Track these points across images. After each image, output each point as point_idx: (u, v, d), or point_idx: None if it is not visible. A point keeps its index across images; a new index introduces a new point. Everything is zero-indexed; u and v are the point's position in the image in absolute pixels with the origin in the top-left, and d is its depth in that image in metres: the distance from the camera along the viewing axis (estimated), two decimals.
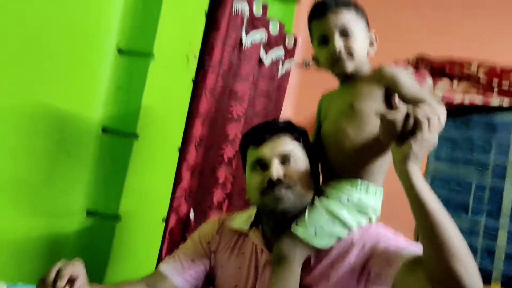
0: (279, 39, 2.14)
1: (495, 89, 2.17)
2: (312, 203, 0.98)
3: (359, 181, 0.96)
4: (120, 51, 1.29)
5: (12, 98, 1.01)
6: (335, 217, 0.94)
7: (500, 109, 2.22)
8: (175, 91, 1.47)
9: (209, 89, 1.61)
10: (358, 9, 1.00)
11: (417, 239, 2.15)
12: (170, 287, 1.04)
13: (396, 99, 0.87)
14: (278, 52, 2.15)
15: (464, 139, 2.31)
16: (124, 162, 1.27)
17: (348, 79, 1.01)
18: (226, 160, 1.83)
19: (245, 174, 1.06)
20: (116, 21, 1.27)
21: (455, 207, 2.24)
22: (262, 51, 2.02)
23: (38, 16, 1.03)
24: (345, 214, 0.94)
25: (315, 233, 0.93)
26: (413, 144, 0.81)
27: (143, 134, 1.29)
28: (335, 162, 1.00)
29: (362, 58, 0.99)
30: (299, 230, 0.94)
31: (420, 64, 2.28)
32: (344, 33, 0.97)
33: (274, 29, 2.08)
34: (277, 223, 1.00)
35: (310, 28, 1.03)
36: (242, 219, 1.11)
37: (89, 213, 1.27)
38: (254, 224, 1.07)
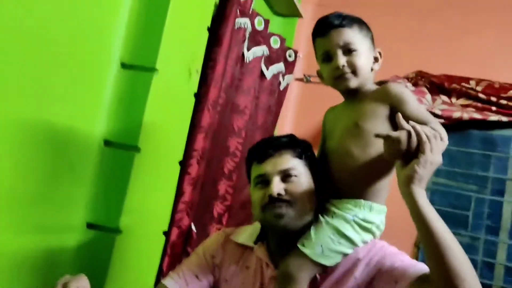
0: (280, 53, 2.17)
1: (494, 105, 2.18)
2: (316, 220, 0.98)
3: (363, 201, 0.96)
4: (123, 66, 1.30)
5: (14, 111, 1.01)
6: (341, 235, 0.94)
7: (499, 124, 2.23)
8: (177, 105, 1.48)
9: (212, 103, 1.62)
10: (363, 26, 1.01)
11: (416, 253, 2.15)
12: None
13: (401, 118, 0.87)
14: (279, 66, 2.18)
15: (463, 155, 2.31)
16: (125, 175, 1.28)
17: (352, 95, 1.02)
18: (226, 172, 1.84)
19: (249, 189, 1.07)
20: (120, 36, 1.29)
21: (454, 223, 2.24)
22: (263, 65, 2.04)
23: (42, 31, 1.05)
24: (351, 232, 0.94)
25: (322, 251, 0.93)
26: (416, 167, 0.82)
27: (145, 148, 1.30)
28: (339, 180, 1.00)
29: (366, 74, 0.99)
30: (306, 249, 0.94)
31: (419, 80, 2.30)
32: (348, 50, 0.97)
33: (275, 43, 2.10)
34: (281, 238, 1.01)
35: (314, 45, 1.04)
36: (247, 234, 1.11)
37: (89, 225, 1.27)
38: (259, 238, 1.08)
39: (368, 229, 0.96)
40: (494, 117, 2.19)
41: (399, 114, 0.88)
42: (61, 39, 1.10)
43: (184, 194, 1.56)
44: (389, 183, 1.00)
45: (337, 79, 0.99)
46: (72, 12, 1.12)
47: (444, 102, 2.26)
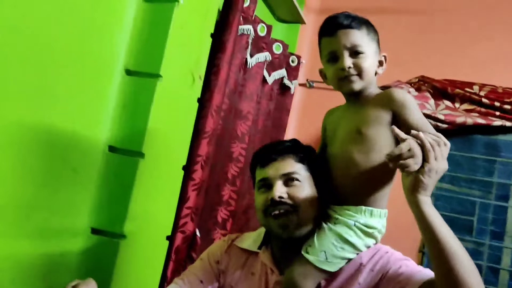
0: (282, 59, 2.18)
1: (497, 110, 2.18)
2: (319, 227, 0.98)
3: (363, 207, 0.96)
4: (127, 72, 1.31)
5: (20, 117, 1.02)
6: (344, 241, 0.94)
7: (502, 129, 2.23)
8: (181, 111, 1.49)
9: (215, 108, 1.63)
10: (371, 29, 0.99)
11: (421, 258, 2.14)
12: None
13: (397, 130, 0.85)
14: (281, 72, 2.19)
15: (467, 160, 2.31)
16: (130, 180, 1.28)
17: (355, 97, 1.01)
18: (230, 178, 1.84)
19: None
20: (124, 42, 1.30)
21: (459, 228, 2.23)
22: (265, 71, 2.05)
23: (47, 37, 1.06)
24: (353, 237, 0.94)
25: (326, 258, 0.93)
26: (421, 176, 0.82)
27: (149, 153, 1.31)
28: (341, 186, 0.99)
29: (371, 77, 0.98)
30: (310, 256, 0.94)
31: (422, 85, 2.30)
32: (354, 52, 0.96)
33: (277, 49, 2.12)
34: (286, 243, 1.01)
35: (320, 43, 1.02)
36: (251, 239, 1.11)
37: (94, 231, 1.27)
38: (264, 243, 1.08)
39: (370, 234, 0.96)
40: (498, 122, 2.18)
41: (394, 127, 0.86)
42: (66, 45, 1.11)
43: (188, 200, 1.57)
44: (392, 188, 1.00)
45: (341, 81, 0.98)
46: (77, 19, 1.13)
47: (447, 107, 2.25)
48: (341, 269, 0.95)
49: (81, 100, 1.18)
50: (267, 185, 1.01)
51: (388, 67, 1.04)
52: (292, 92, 2.35)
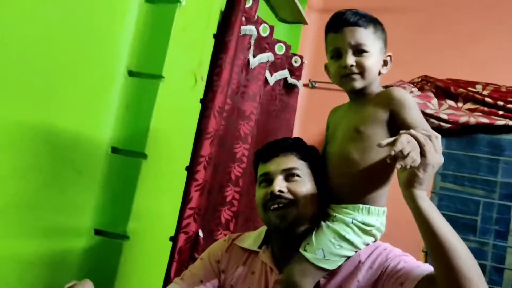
0: (284, 60, 2.18)
1: (501, 110, 2.17)
2: (318, 225, 0.98)
3: (361, 205, 0.95)
4: (130, 73, 1.32)
5: (23, 119, 1.03)
6: (342, 238, 0.94)
7: (506, 128, 2.22)
8: (184, 112, 1.49)
9: (218, 109, 1.63)
10: (378, 27, 0.98)
11: (424, 258, 2.13)
12: None
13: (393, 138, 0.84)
14: (282, 73, 2.19)
15: (470, 159, 2.30)
16: (132, 181, 1.29)
17: (357, 95, 1.00)
18: (233, 178, 1.84)
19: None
20: (127, 43, 1.31)
21: (462, 228, 2.23)
22: (267, 72, 2.05)
23: (51, 39, 1.06)
24: (351, 235, 0.94)
25: (324, 256, 0.93)
26: (416, 170, 0.82)
27: (152, 154, 1.31)
28: (338, 184, 0.99)
29: (373, 77, 0.97)
30: (308, 254, 0.94)
31: (425, 84, 2.29)
32: (358, 51, 0.95)
33: (280, 50, 2.12)
34: (285, 242, 1.01)
35: (325, 38, 1.02)
36: (251, 239, 1.12)
37: (97, 231, 1.28)
38: (264, 243, 1.08)
39: (368, 231, 0.95)
40: (501, 121, 2.18)
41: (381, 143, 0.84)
42: (69, 47, 1.12)
43: (191, 200, 1.57)
44: (395, 188, 0.99)
45: (343, 78, 0.98)
46: (80, 21, 1.13)
47: (450, 107, 2.25)
48: (340, 267, 0.95)
49: (84, 102, 1.19)
50: (268, 180, 1.01)
51: (391, 67, 1.03)
52: (297, 91, 2.35)
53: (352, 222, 0.94)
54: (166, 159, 1.41)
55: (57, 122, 1.12)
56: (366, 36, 0.95)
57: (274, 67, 2.11)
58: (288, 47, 2.18)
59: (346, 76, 0.97)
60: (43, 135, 1.08)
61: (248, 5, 1.80)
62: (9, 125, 0.99)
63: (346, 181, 0.97)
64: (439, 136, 0.86)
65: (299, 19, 2.46)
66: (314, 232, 0.96)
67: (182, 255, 1.57)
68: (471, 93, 2.21)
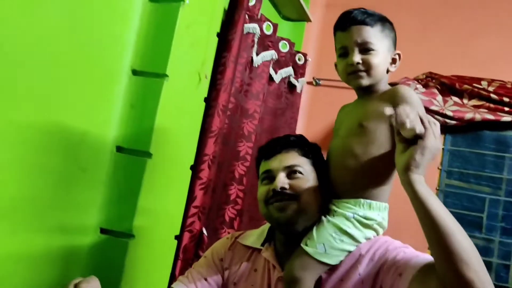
0: (289, 57, 2.18)
1: (506, 106, 2.16)
2: (319, 221, 0.98)
3: (362, 200, 0.96)
4: (134, 72, 1.32)
5: (29, 117, 1.03)
6: (343, 232, 0.94)
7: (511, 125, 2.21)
8: (188, 111, 1.49)
9: (222, 107, 1.64)
10: (386, 26, 0.99)
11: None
12: None
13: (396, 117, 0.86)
14: (287, 70, 2.19)
15: (476, 156, 2.29)
16: (137, 180, 1.29)
17: (364, 93, 1.01)
18: (237, 177, 1.85)
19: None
20: (131, 43, 1.31)
21: (468, 225, 2.22)
22: (271, 70, 2.05)
23: (55, 39, 1.07)
24: (352, 229, 0.95)
25: (325, 250, 0.93)
26: (414, 153, 0.82)
27: (156, 153, 1.31)
28: (340, 179, 1.00)
29: (380, 74, 0.98)
30: (309, 248, 0.94)
31: (429, 81, 2.28)
32: (365, 49, 0.96)
33: (284, 48, 2.11)
34: (288, 239, 1.01)
35: (334, 37, 1.03)
36: (254, 236, 1.12)
37: (102, 230, 1.28)
38: (267, 240, 1.08)
39: (369, 226, 0.96)
40: (507, 118, 2.16)
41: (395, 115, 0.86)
42: (73, 47, 1.12)
43: (195, 199, 1.57)
44: (391, 186, 0.99)
45: (349, 75, 0.99)
46: (83, 21, 1.14)
47: (455, 103, 2.24)
48: (341, 261, 0.95)
49: (88, 101, 1.19)
50: (270, 177, 1.02)
51: None
52: (298, 91, 2.35)
53: (353, 217, 0.95)
54: (171, 157, 1.41)
55: (62, 122, 1.12)
56: (373, 34, 0.96)
57: (278, 64, 2.11)
58: (292, 45, 2.17)
59: (352, 74, 0.98)
60: (48, 135, 1.09)
61: (251, 3, 1.80)
62: (14, 125, 1.00)
63: (348, 175, 0.98)
64: (438, 123, 0.86)
65: (302, 17, 2.45)
66: (315, 227, 0.97)
67: (187, 253, 1.58)
68: (476, 90, 2.19)
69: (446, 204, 0.82)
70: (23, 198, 1.04)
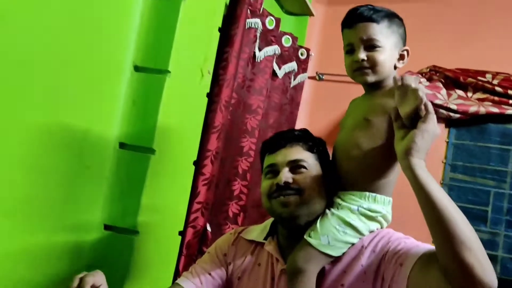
0: (292, 52, 2.17)
1: (511, 99, 2.14)
2: (323, 213, 0.99)
3: (367, 193, 0.96)
4: (136, 68, 1.32)
5: (32, 116, 1.03)
6: (347, 224, 0.95)
7: None
8: (191, 106, 1.49)
9: (224, 103, 1.63)
10: (393, 21, 0.99)
11: None
12: None
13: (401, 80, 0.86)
14: (291, 65, 2.18)
15: (481, 149, 2.28)
16: (141, 176, 1.29)
17: (372, 88, 1.02)
18: (240, 172, 1.84)
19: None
20: (133, 39, 1.30)
21: (473, 219, 2.21)
22: (275, 65, 2.04)
23: (57, 35, 1.07)
24: (356, 221, 0.95)
25: (328, 242, 0.94)
26: (414, 136, 0.82)
27: (159, 149, 1.31)
28: (345, 171, 1.00)
29: (387, 71, 0.98)
30: (312, 240, 0.95)
31: (433, 75, 2.27)
32: (370, 46, 0.96)
33: (287, 42, 2.10)
34: (291, 233, 1.02)
35: (342, 33, 1.04)
36: (257, 231, 1.13)
37: (107, 227, 1.29)
38: (270, 234, 1.08)
39: (373, 218, 0.96)
40: (511, 111, 2.15)
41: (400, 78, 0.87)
42: (74, 43, 1.12)
43: (198, 194, 1.57)
44: (396, 181, 1.00)
45: (355, 72, 1.00)
46: (85, 17, 1.13)
47: (460, 97, 2.22)
48: (344, 252, 0.96)
49: (90, 98, 1.19)
50: (274, 171, 1.02)
51: None
52: (295, 85, 2.33)
53: (358, 210, 0.96)
54: (174, 153, 1.41)
55: (65, 119, 1.12)
56: (378, 31, 0.96)
57: (282, 59, 2.10)
58: (295, 39, 2.16)
59: (358, 70, 0.99)
60: (51, 133, 1.09)
61: None
62: (18, 123, 1.00)
63: (352, 167, 0.99)
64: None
65: (305, 11, 2.44)
66: (319, 219, 0.97)
67: (190, 249, 1.58)
68: (480, 83, 2.18)
69: (450, 197, 0.81)
70: (27, 196, 1.05)
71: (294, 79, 2.28)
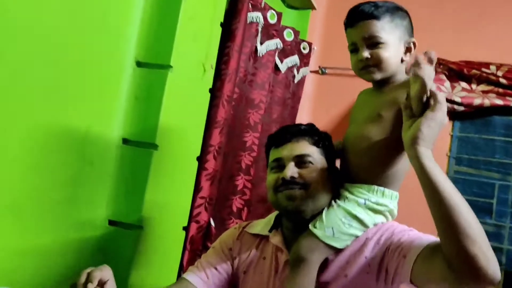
0: (294, 46, 2.16)
1: None
2: (329, 205, 0.99)
3: (376, 187, 0.96)
4: (138, 64, 1.32)
5: (35, 114, 1.03)
6: (353, 217, 0.95)
7: None
8: (193, 101, 1.49)
9: (226, 98, 1.63)
10: (396, 15, 0.98)
11: None
12: None
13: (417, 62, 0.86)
14: (293, 59, 2.17)
15: (485, 142, 2.27)
16: (144, 172, 1.29)
17: (380, 84, 1.01)
18: (244, 167, 1.84)
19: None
20: (134, 34, 1.30)
21: (478, 211, 2.20)
22: (277, 59, 2.03)
23: (59, 31, 1.06)
24: (362, 214, 0.95)
25: (333, 234, 0.94)
26: (421, 125, 0.82)
27: (162, 145, 1.31)
28: (355, 164, 1.00)
29: (393, 66, 0.97)
30: (317, 231, 0.95)
31: (437, 67, 2.25)
32: (373, 43, 0.95)
33: (289, 36, 2.09)
34: (296, 225, 1.02)
35: (345, 33, 1.03)
36: (262, 224, 1.13)
37: (111, 222, 1.29)
38: (274, 227, 1.09)
39: (380, 211, 0.96)
40: None
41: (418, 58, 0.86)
42: (76, 40, 1.12)
43: (201, 189, 1.57)
44: (403, 176, 0.99)
45: (361, 71, 0.99)
46: (86, 13, 1.13)
47: (464, 89, 2.21)
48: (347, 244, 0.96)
49: (93, 94, 1.19)
50: (280, 165, 1.02)
51: None
52: (297, 80, 2.32)
53: (365, 203, 0.96)
54: (177, 149, 1.42)
55: (67, 116, 1.12)
56: (380, 27, 0.95)
57: (284, 53, 2.09)
58: (296, 33, 2.15)
59: (364, 69, 0.98)
60: (53, 129, 1.09)
61: None
62: (21, 120, 1.00)
63: (362, 161, 0.99)
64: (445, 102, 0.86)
65: (307, 5, 2.42)
66: (324, 211, 0.97)
67: (194, 244, 1.58)
68: (484, 74, 2.16)
69: None
70: (33, 194, 1.05)
71: (297, 73, 2.27)
